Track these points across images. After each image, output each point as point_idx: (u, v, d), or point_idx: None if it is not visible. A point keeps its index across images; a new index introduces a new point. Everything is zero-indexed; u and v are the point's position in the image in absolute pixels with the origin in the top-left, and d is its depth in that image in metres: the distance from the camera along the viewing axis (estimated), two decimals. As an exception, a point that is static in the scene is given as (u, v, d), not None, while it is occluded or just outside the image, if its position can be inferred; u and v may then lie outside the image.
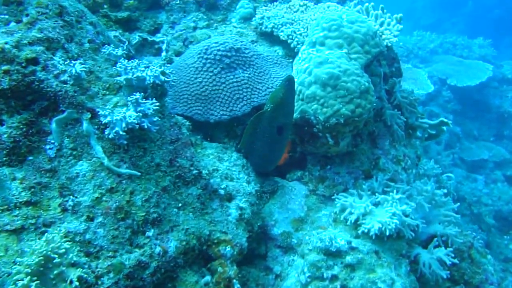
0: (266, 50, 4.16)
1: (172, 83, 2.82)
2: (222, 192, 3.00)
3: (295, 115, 3.26)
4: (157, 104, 2.57)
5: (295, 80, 3.31)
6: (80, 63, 2.42)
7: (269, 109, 3.07)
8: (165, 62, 2.79)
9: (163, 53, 4.25)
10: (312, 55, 3.29)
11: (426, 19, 25.89)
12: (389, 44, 3.74)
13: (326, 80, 3.06)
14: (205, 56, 3.54)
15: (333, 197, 3.31)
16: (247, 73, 3.58)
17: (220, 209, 2.92)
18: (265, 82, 3.63)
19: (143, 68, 2.67)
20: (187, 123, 3.16)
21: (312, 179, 3.55)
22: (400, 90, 4.18)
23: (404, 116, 4.24)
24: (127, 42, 4.07)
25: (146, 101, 2.53)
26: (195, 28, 4.53)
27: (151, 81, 2.61)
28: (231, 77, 3.51)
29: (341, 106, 3.03)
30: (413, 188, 3.59)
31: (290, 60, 4.10)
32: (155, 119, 2.54)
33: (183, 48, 4.35)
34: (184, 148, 2.84)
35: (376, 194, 3.31)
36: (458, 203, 3.82)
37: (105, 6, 4.18)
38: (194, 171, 2.80)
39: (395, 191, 3.21)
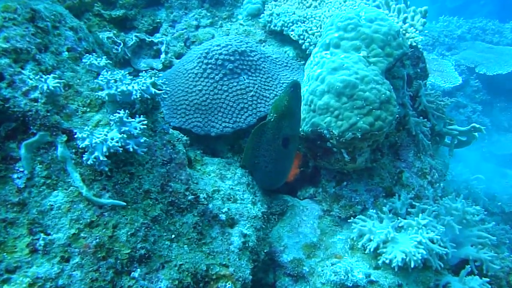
0: (275, 51, 3.86)
1: (164, 95, 2.55)
2: (223, 217, 2.73)
3: (306, 128, 2.97)
4: (145, 122, 2.30)
5: (307, 87, 3.02)
6: (54, 77, 2.16)
7: (272, 119, 2.79)
8: (157, 71, 2.52)
9: (162, 55, 3.99)
10: (326, 59, 2.98)
11: (453, 1, 24.94)
12: (414, 44, 3.40)
13: (341, 89, 2.75)
14: (206, 61, 3.26)
15: (349, 221, 3.01)
16: (252, 79, 3.29)
17: (221, 237, 2.65)
18: (273, 88, 3.34)
19: (128, 81, 2.40)
20: (184, 138, 2.88)
21: (326, 198, 3.25)
22: (425, 93, 3.85)
23: (431, 123, 3.91)
24: (122, 44, 3.82)
25: (132, 119, 2.26)
26: (197, 27, 4.25)
27: (138, 96, 2.34)
28: (235, 84, 3.23)
29: (358, 118, 2.72)
30: (441, 206, 3.26)
31: (302, 62, 3.79)
32: (142, 140, 2.27)
33: (184, 49, 4.08)
34: (179, 170, 2.58)
35: (399, 218, 3.01)
36: (493, 222, 3.47)
37: (97, 4, 3.92)
38: (190, 197, 2.53)
39: (420, 214, 2.89)
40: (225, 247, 2.63)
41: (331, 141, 2.88)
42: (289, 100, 2.74)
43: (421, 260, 2.65)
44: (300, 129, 3.02)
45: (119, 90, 2.31)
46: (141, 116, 2.38)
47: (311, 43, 3.66)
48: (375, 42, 2.98)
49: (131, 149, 2.20)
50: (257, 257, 2.80)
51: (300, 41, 3.75)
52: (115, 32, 3.87)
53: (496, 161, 10.45)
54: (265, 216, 3.03)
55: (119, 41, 3.80)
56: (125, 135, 2.19)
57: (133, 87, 2.36)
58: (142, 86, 2.37)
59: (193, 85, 3.23)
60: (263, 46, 4.00)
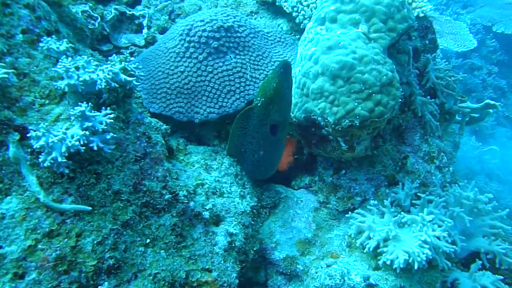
0: (267, 24, 3.58)
1: (136, 82, 2.32)
2: (206, 215, 2.53)
3: (298, 114, 2.74)
4: (112, 116, 2.08)
5: (299, 68, 2.77)
6: (3, 66, 1.94)
7: (259, 104, 2.57)
8: (128, 55, 2.28)
9: (144, 30, 3.73)
10: (320, 36, 2.72)
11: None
12: (422, 15, 3.12)
13: (336, 71, 2.50)
14: (188, 39, 3.00)
15: (347, 215, 2.81)
16: (240, 58, 3.04)
17: (204, 238, 2.47)
18: (263, 68, 3.09)
19: (93, 68, 2.17)
20: (164, 127, 2.67)
21: (323, 188, 3.05)
22: (434, 68, 3.58)
23: (440, 100, 3.66)
24: (99, 18, 3.56)
25: (97, 113, 2.04)
26: (183, -3, 3.96)
27: (103, 86, 2.11)
28: (220, 64, 2.98)
29: (356, 104, 2.48)
30: (450, 195, 3.04)
31: (297, 37, 3.52)
32: (109, 137, 2.06)
33: (168, 23, 3.81)
34: (155, 166, 2.37)
35: (403, 210, 2.80)
36: (507, 210, 3.24)
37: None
38: (167, 196, 2.33)
39: (425, 210, 2.68)
40: (209, 248, 2.45)
41: (326, 128, 2.65)
42: (279, 82, 2.50)
43: (426, 260, 2.46)
44: (292, 115, 2.79)
45: (81, 79, 2.08)
46: (110, 107, 2.18)
47: (306, 17, 3.37)
48: (376, 16, 2.70)
49: (95, 148, 1.99)
50: (245, 257, 2.62)
51: (294, 14, 3.45)
52: (91, 4, 3.60)
53: (511, 125, 10.05)
54: (254, 210, 2.84)
55: (96, 15, 3.54)
56: (88, 132, 1.98)
57: (97, 75, 2.13)
58: (108, 74, 2.14)
59: (174, 66, 2.98)
60: (255, 19, 3.72)
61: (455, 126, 4.35)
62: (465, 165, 6.23)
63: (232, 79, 2.96)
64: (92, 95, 2.18)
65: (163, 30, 3.77)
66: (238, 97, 2.95)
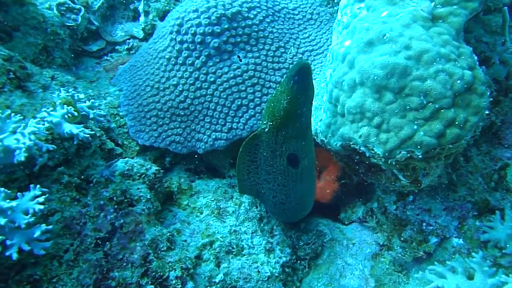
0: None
1: (87, 133, 1.72)
2: (214, 292, 1.95)
3: (332, 141, 2.00)
4: (42, 199, 1.50)
5: (330, 72, 2.01)
6: None
7: (267, 129, 1.85)
8: (70, 98, 1.66)
9: (141, 18, 3.08)
10: (358, 22, 1.92)
11: None
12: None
13: (381, 80, 1.73)
14: (179, 38, 2.32)
15: (416, 276, 2.08)
16: (254, 56, 2.31)
17: (211, 329, 1.90)
18: (287, 65, 2.34)
19: (11, 129, 1.58)
20: (152, 170, 2.08)
21: (383, 224, 2.33)
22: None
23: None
24: (82, 10, 2.96)
25: (19, 198, 1.47)
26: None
27: (22, 158, 1.52)
28: (226, 69, 2.28)
29: (415, 127, 1.71)
30: None
31: (336, 8, 2.69)
32: (38, 233, 1.49)
33: (171, 4, 3.11)
34: (129, 244, 1.80)
35: (505, 256, 2.04)
36: None
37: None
38: (149, 287, 1.75)
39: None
40: None
41: (374, 159, 1.90)
42: (291, 99, 1.74)
43: None
44: (325, 140, 2.06)
45: (-8, 152, 1.51)
46: (57, 170, 1.61)
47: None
48: (443, -21, 1.85)
49: (14, 257, 1.44)
50: None
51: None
52: (73, -8, 2.99)
53: None
54: (287, 269, 2.20)
55: (78, 7, 2.94)
56: (2, 236, 1.42)
57: (17, 140, 1.54)
58: (30, 138, 1.54)
59: (165, 77, 2.34)
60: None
61: None
62: None
63: (243, 88, 2.26)
64: (17, 166, 1.60)
65: (164, 15, 3.09)
66: (252, 113, 2.25)
